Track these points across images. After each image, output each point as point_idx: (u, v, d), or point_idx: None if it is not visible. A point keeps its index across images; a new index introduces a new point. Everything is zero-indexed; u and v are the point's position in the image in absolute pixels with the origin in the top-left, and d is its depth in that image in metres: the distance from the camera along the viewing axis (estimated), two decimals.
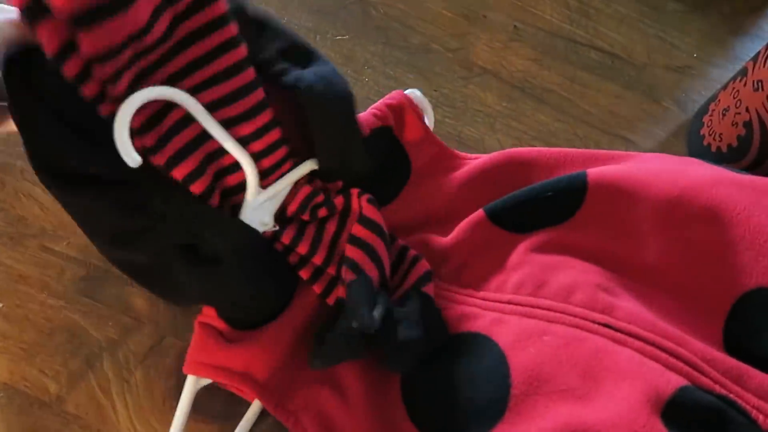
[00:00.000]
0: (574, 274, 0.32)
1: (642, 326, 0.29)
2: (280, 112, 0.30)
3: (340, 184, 0.34)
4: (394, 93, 0.36)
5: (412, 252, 0.33)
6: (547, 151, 0.35)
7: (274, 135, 0.30)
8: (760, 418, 0.27)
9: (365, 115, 0.35)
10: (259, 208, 0.31)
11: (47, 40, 0.23)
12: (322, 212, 0.33)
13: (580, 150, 0.35)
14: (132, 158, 0.25)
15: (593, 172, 0.33)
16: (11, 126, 0.26)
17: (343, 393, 0.31)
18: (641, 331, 0.29)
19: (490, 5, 0.44)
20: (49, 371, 0.33)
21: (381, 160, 0.36)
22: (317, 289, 0.32)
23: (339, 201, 0.33)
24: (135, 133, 0.26)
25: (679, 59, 0.43)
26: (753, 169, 0.35)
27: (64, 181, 0.27)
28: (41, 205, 0.36)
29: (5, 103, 0.25)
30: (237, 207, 0.31)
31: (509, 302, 0.32)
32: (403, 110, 0.36)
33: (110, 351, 0.34)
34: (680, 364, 0.28)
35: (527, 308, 0.31)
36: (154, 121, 0.27)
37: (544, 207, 0.33)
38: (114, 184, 0.27)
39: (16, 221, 0.36)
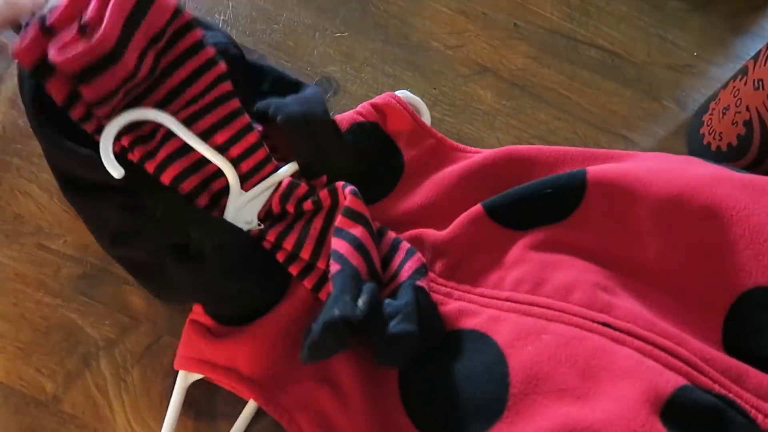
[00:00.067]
0: (573, 272, 0.32)
1: (641, 325, 0.29)
2: (272, 133, 0.35)
3: (324, 179, 0.35)
4: (382, 95, 0.37)
5: (406, 245, 0.33)
6: (546, 149, 0.35)
7: (251, 139, 0.33)
8: (759, 417, 0.27)
9: (348, 113, 0.36)
10: (242, 208, 0.33)
11: (55, 93, 0.29)
12: (308, 205, 0.33)
13: (579, 148, 0.35)
14: (116, 171, 0.29)
15: (593, 170, 0.33)
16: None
17: (339, 391, 0.31)
18: (640, 331, 0.29)
19: (489, 3, 0.43)
20: (45, 370, 0.33)
21: (370, 155, 0.36)
22: (308, 284, 0.32)
23: (324, 195, 0.33)
24: (135, 144, 0.31)
25: (679, 58, 0.43)
26: (753, 168, 0.35)
27: (74, 187, 0.32)
28: (38, 203, 0.36)
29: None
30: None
31: (507, 299, 0.32)
32: (389, 106, 0.37)
33: (107, 350, 0.33)
34: (679, 364, 0.28)
35: (526, 306, 0.31)
36: (148, 134, 0.32)
37: (543, 204, 0.33)
38: (116, 189, 0.31)
39: (13, 219, 0.35)
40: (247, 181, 0.33)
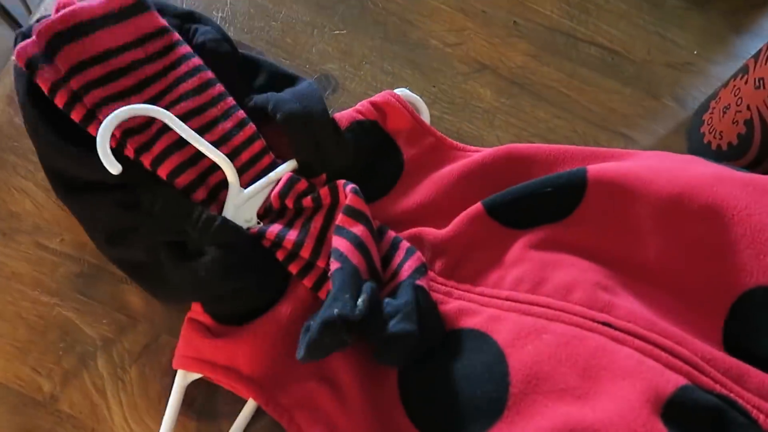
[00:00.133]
0: (573, 272, 0.31)
1: (642, 325, 0.29)
2: (269, 129, 0.35)
3: (323, 177, 0.35)
4: (382, 93, 0.37)
5: (406, 244, 0.33)
6: (546, 147, 0.35)
7: (249, 130, 0.34)
8: (761, 417, 0.27)
9: (347, 111, 0.36)
10: (242, 206, 0.33)
11: (42, 84, 0.30)
12: (307, 202, 0.33)
13: (579, 147, 0.35)
14: (114, 167, 0.29)
15: (593, 168, 0.33)
16: None
17: (339, 391, 0.31)
18: (641, 330, 0.29)
19: (489, 0, 0.43)
20: (42, 370, 0.33)
21: (370, 153, 0.36)
22: (307, 282, 0.32)
23: (325, 192, 0.33)
24: (127, 135, 0.31)
25: (679, 56, 0.43)
26: (753, 167, 0.35)
27: (68, 187, 0.32)
28: (34, 201, 0.36)
29: None
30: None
31: (507, 299, 0.32)
32: (388, 104, 0.37)
33: (105, 349, 0.33)
34: (680, 364, 0.28)
35: (526, 305, 0.31)
36: (144, 127, 0.32)
37: (543, 203, 0.33)
38: (111, 187, 0.31)
39: (9, 217, 0.35)
40: (244, 173, 0.33)
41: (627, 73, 0.42)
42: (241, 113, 0.34)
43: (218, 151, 0.32)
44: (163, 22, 0.33)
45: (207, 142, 0.32)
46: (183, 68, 0.33)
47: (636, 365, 0.27)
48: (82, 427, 0.32)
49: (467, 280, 0.33)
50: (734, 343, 0.30)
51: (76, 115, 0.31)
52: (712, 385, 0.27)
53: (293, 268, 0.32)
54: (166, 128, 0.32)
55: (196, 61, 0.34)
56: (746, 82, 0.35)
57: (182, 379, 0.31)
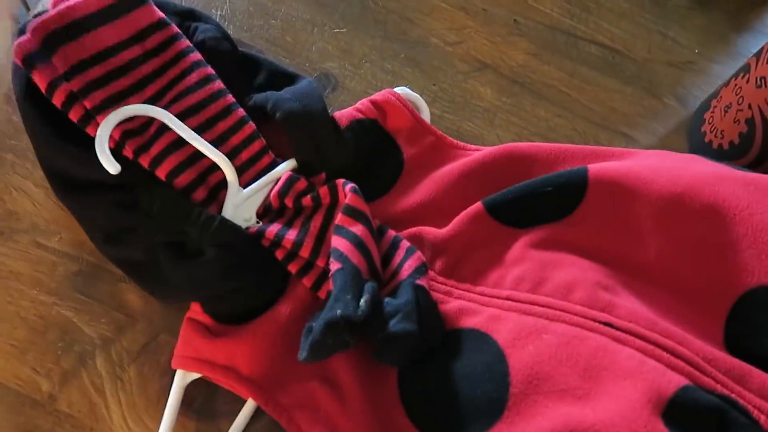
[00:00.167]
0: (574, 271, 0.31)
1: (643, 325, 0.29)
2: (268, 128, 0.34)
3: (323, 176, 0.34)
4: (382, 91, 0.37)
5: (406, 243, 0.33)
6: (546, 146, 0.35)
7: (249, 129, 0.34)
8: (762, 418, 0.27)
9: (347, 110, 0.36)
10: (241, 205, 0.33)
11: (39, 81, 0.30)
12: (307, 201, 0.33)
13: (580, 146, 0.35)
14: (113, 166, 0.29)
15: (594, 168, 0.32)
16: None
17: (339, 391, 0.30)
18: (642, 330, 0.29)
19: None
20: (41, 369, 0.33)
21: (369, 152, 0.36)
22: (307, 282, 0.32)
23: (324, 191, 0.33)
24: (126, 136, 0.31)
25: (680, 55, 0.43)
26: (755, 166, 0.35)
27: (66, 186, 0.32)
28: (33, 200, 0.35)
29: None
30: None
31: (508, 298, 0.31)
32: (389, 103, 0.36)
33: (103, 348, 0.33)
34: (681, 364, 0.28)
35: (526, 305, 0.31)
36: (143, 128, 0.31)
37: (544, 202, 0.33)
38: (109, 187, 0.31)
39: (7, 216, 0.35)
40: (244, 173, 0.33)
41: (628, 72, 0.42)
42: (240, 111, 0.34)
43: (217, 151, 0.32)
44: (161, 14, 0.33)
45: (206, 142, 0.32)
46: (182, 64, 0.33)
47: (637, 365, 0.27)
48: (80, 427, 0.32)
49: (467, 280, 0.33)
50: (735, 343, 0.29)
51: (74, 115, 0.30)
52: (713, 386, 0.27)
53: (293, 268, 0.32)
54: (164, 129, 0.31)
55: (196, 56, 0.33)
56: (748, 81, 0.35)
57: (181, 378, 0.31)
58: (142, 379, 0.33)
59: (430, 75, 0.41)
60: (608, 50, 0.43)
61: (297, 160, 0.34)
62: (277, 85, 0.36)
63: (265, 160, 0.34)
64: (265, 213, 0.33)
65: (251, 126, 0.34)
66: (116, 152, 0.31)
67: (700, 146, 0.39)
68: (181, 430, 0.32)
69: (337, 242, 0.31)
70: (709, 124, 0.38)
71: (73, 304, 0.34)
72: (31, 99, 0.31)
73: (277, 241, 0.32)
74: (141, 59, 0.32)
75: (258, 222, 0.33)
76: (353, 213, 0.32)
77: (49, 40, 0.30)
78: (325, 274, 0.32)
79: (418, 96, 0.38)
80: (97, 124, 0.30)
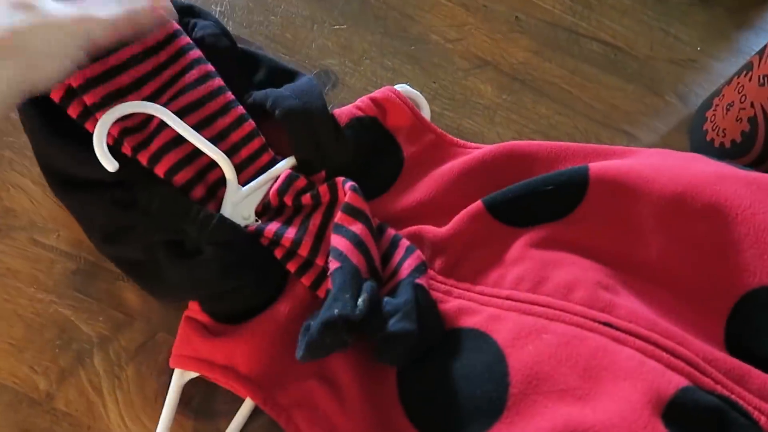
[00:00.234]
0: (574, 271, 0.31)
1: (643, 325, 0.29)
2: (268, 126, 0.34)
3: (323, 174, 0.34)
4: (382, 89, 0.37)
5: (405, 242, 0.33)
6: (547, 144, 0.35)
7: (248, 126, 0.33)
8: (762, 419, 0.26)
9: (347, 107, 0.36)
10: (240, 203, 0.32)
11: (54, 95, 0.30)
12: (306, 199, 0.33)
13: (581, 144, 0.35)
14: (111, 164, 0.29)
15: (595, 166, 0.32)
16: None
17: (338, 390, 0.30)
18: (642, 330, 0.29)
19: None
20: (38, 367, 0.32)
21: (369, 150, 0.36)
22: (306, 281, 0.32)
23: (324, 190, 0.32)
24: (125, 134, 0.31)
25: (682, 52, 0.43)
26: (757, 165, 0.35)
27: (64, 184, 0.32)
28: (31, 197, 0.35)
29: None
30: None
31: (507, 298, 0.31)
32: (388, 100, 0.36)
33: (101, 347, 0.33)
34: (681, 364, 0.28)
35: (526, 305, 0.31)
36: (139, 124, 0.31)
37: (544, 201, 0.33)
38: (107, 185, 0.31)
39: (5, 213, 0.35)
40: (243, 171, 0.33)
41: (630, 69, 0.42)
42: (240, 109, 0.33)
43: (216, 148, 0.32)
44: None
45: (205, 139, 0.31)
46: (182, 61, 0.33)
47: (637, 366, 0.27)
48: (78, 425, 0.32)
49: (467, 279, 0.33)
50: (736, 344, 0.29)
51: (73, 111, 0.30)
52: (713, 386, 0.27)
53: (292, 266, 0.32)
54: (163, 126, 0.31)
55: (196, 53, 0.33)
56: (750, 79, 0.35)
57: (179, 377, 0.31)
58: (139, 377, 0.33)
59: (430, 72, 0.41)
60: (610, 47, 0.42)
61: (296, 158, 0.34)
62: (276, 82, 0.36)
63: (265, 157, 0.34)
64: (264, 211, 0.33)
65: (251, 123, 0.33)
66: (114, 150, 0.30)
67: (701, 144, 0.39)
68: (179, 429, 0.32)
69: (337, 241, 0.31)
70: (711, 122, 0.38)
71: (71, 302, 0.34)
72: (31, 100, 0.30)
73: (276, 240, 0.31)
74: (141, 57, 0.32)
75: (257, 220, 0.33)
76: (353, 212, 0.31)
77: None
78: (324, 272, 0.32)
79: (418, 93, 0.38)
80: (96, 121, 0.30)
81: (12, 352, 0.33)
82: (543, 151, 0.35)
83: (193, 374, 0.31)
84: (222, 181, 0.33)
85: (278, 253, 0.32)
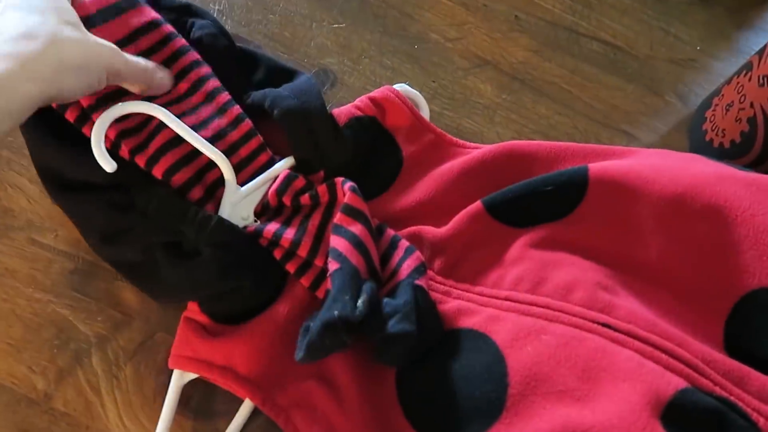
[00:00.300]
0: (573, 271, 0.31)
1: (642, 326, 0.29)
2: (266, 126, 0.34)
3: (322, 174, 0.34)
4: (381, 88, 0.37)
5: (405, 243, 0.32)
6: (547, 144, 0.35)
7: (246, 126, 0.33)
8: (761, 420, 0.26)
9: (345, 107, 0.36)
10: (239, 203, 0.32)
11: None
12: (305, 199, 0.33)
13: (580, 144, 0.35)
14: (109, 164, 0.29)
15: (595, 167, 0.32)
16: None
17: (337, 390, 0.30)
18: (641, 332, 0.29)
19: None
20: (36, 367, 0.32)
21: (368, 150, 0.36)
22: (305, 282, 0.32)
23: (323, 190, 0.32)
24: (122, 137, 0.31)
25: (682, 52, 0.43)
26: (756, 166, 0.35)
27: (61, 187, 0.32)
28: (29, 197, 0.35)
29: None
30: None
31: (507, 299, 0.31)
32: (387, 100, 0.36)
33: (99, 346, 0.33)
34: (680, 366, 0.27)
35: (525, 306, 0.31)
36: (139, 128, 0.31)
37: (544, 202, 0.33)
38: (104, 188, 0.31)
39: (3, 213, 0.35)
40: (241, 171, 0.33)
41: (629, 69, 0.42)
42: (236, 109, 0.33)
43: (214, 148, 0.32)
44: (154, 15, 0.33)
45: (203, 139, 0.31)
46: (179, 64, 0.33)
47: (636, 367, 0.27)
48: (76, 425, 0.32)
49: (466, 280, 0.33)
50: (735, 345, 0.29)
51: (70, 115, 0.30)
52: (712, 388, 0.27)
53: (291, 267, 0.32)
54: (160, 127, 0.31)
55: (193, 55, 0.33)
56: (750, 79, 0.35)
57: (179, 378, 0.31)
58: (138, 377, 0.33)
59: (430, 71, 0.41)
60: (610, 47, 0.42)
61: (295, 158, 0.34)
62: (275, 80, 0.35)
63: (263, 157, 0.34)
64: (263, 211, 0.33)
65: (248, 123, 0.33)
66: (112, 153, 0.30)
67: (701, 145, 0.39)
68: (178, 429, 0.32)
69: (336, 242, 0.31)
70: (711, 122, 0.38)
71: (69, 302, 0.34)
72: None
73: (275, 240, 0.31)
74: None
75: (256, 221, 0.32)
76: (352, 212, 0.31)
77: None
78: (323, 273, 0.32)
79: (418, 93, 0.38)
80: (93, 123, 0.30)
81: (10, 352, 0.33)
82: (543, 151, 0.35)
83: (193, 375, 0.31)
84: (220, 182, 0.33)
85: (277, 254, 0.32)
